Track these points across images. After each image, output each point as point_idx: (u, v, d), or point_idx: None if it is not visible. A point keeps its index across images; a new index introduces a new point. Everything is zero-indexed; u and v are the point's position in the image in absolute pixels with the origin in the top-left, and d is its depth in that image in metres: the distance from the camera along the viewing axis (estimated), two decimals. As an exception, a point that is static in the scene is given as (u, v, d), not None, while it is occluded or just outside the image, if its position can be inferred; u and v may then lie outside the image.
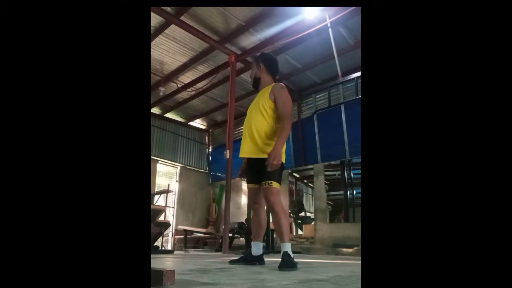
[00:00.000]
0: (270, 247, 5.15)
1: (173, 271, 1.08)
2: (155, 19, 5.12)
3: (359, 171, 5.94)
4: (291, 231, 6.63)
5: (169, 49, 5.96)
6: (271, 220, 5.52)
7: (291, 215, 7.09)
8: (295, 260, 1.97)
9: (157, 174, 8.41)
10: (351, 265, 2.52)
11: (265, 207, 2.31)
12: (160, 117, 8.67)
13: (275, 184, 2.10)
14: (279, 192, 2.15)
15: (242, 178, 2.48)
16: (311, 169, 6.49)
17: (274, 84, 2.32)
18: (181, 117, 9.04)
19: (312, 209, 7.19)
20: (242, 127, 2.48)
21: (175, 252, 5.39)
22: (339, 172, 6.29)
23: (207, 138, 9.90)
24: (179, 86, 7.04)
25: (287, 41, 5.40)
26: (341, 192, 6.31)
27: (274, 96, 2.21)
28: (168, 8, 4.90)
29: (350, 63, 5.99)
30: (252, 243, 2.26)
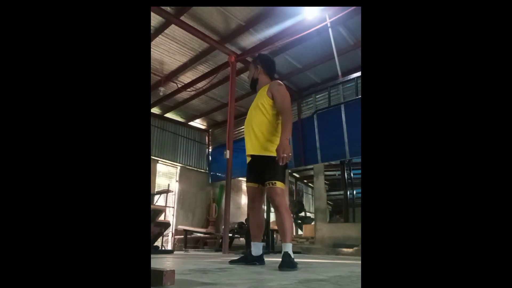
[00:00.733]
0: (270, 247, 5.15)
1: (173, 271, 1.08)
2: (155, 19, 5.12)
3: (359, 171, 5.94)
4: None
5: (169, 49, 5.96)
6: (271, 220, 5.54)
7: (291, 215, 7.08)
8: (295, 260, 1.97)
9: (157, 174, 8.40)
10: (351, 265, 2.52)
11: (264, 207, 2.31)
12: (160, 117, 8.66)
13: (279, 184, 2.09)
14: (284, 192, 2.14)
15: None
16: (311, 169, 6.49)
17: (271, 82, 2.35)
18: (181, 117, 9.04)
19: (312, 209, 7.19)
20: (242, 127, 2.49)
21: (175, 252, 5.39)
22: (339, 172, 6.29)
23: (207, 138, 9.90)
24: (179, 86, 7.04)
25: (287, 41, 5.39)
26: (341, 192, 6.31)
27: (271, 93, 2.23)
28: (168, 8, 4.89)
29: (350, 63, 5.98)
30: (252, 243, 2.26)
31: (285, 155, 1.97)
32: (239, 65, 6.04)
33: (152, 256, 3.16)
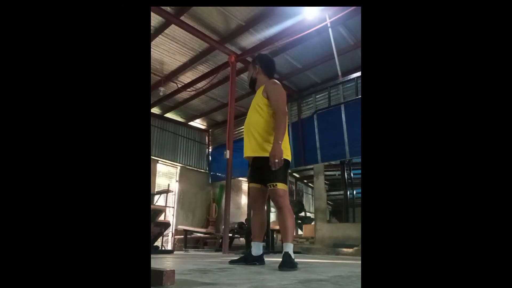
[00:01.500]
0: (270, 247, 5.15)
1: (173, 271, 1.08)
2: (155, 19, 5.12)
3: (359, 171, 5.94)
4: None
5: (169, 49, 5.96)
6: (271, 220, 5.54)
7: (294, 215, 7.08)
8: (295, 260, 1.97)
9: (157, 174, 8.40)
10: (351, 265, 2.52)
11: (265, 207, 2.31)
12: (160, 117, 8.66)
13: (280, 185, 2.08)
14: (286, 192, 2.13)
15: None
16: (311, 169, 6.49)
17: (267, 81, 2.34)
18: (181, 117, 9.04)
19: (312, 209, 7.19)
20: (242, 127, 2.48)
21: (175, 252, 5.39)
22: (339, 172, 6.29)
23: (207, 138, 9.89)
24: (179, 86, 7.03)
25: (287, 41, 5.39)
26: (341, 192, 6.31)
27: (266, 92, 2.23)
28: (168, 8, 4.89)
29: (350, 63, 5.98)
30: (252, 243, 2.26)
31: (276, 160, 1.96)
32: (239, 65, 6.04)
33: (152, 256, 3.16)
